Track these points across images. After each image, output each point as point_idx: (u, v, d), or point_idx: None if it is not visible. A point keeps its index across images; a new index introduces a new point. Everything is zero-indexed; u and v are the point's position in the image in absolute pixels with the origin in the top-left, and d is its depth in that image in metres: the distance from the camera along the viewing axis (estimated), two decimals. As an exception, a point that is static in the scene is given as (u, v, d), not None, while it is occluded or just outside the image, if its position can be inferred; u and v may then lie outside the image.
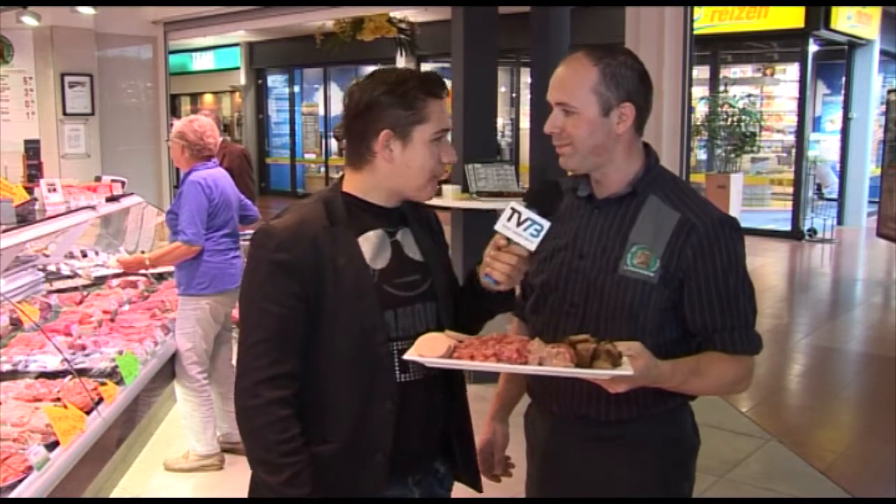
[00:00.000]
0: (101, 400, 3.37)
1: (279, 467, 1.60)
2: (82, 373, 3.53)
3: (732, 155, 12.32)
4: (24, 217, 3.87)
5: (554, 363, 1.49)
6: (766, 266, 9.70)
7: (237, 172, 5.91)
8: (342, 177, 1.79)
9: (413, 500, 1.78)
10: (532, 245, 1.61)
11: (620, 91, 1.72)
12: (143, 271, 4.84)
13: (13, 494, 2.62)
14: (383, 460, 1.67)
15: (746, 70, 14.41)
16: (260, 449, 1.63)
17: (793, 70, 12.92)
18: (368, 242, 1.71)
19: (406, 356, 1.56)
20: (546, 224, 1.62)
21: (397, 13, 12.23)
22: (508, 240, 1.63)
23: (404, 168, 1.68)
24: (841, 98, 13.02)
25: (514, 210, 1.62)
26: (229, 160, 5.95)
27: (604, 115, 1.72)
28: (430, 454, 1.81)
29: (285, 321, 1.63)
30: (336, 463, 1.67)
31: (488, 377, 1.82)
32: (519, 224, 1.61)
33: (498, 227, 1.63)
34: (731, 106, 12.31)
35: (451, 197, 5.37)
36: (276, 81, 18.18)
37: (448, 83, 1.70)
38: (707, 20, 11.70)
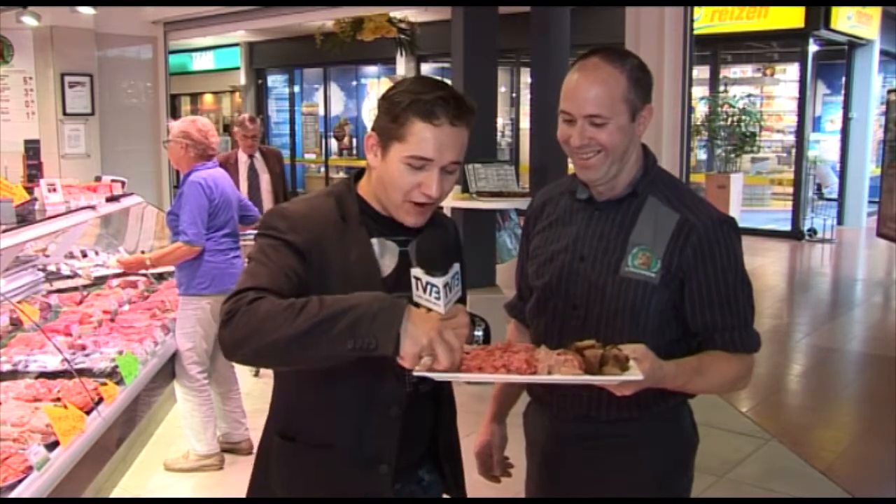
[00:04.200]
0: (101, 400, 3.36)
1: (295, 310, 1.41)
2: (82, 373, 3.52)
3: (732, 155, 12.32)
4: (24, 217, 3.86)
5: (563, 371, 1.48)
6: (766, 266, 9.70)
7: (280, 171, 6.35)
8: (357, 175, 1.72)
9: (413, 499, 1.76)
10: (440, 308, 1.48)
11: (643, 94, 1.73)
12: (143, 271, 4.84)
13: (13, 494, 2.62)
14: (387, 470, 1.63)
15: (746, 70, 14.41)
16: (273, 325, 1.41)
17: (793, 70, 12.92)
18: (375, 249, 1.65)
19: (415, 371, 1.48)
20: (439, 282, 1.48)
21: (397, 13, 12.24)
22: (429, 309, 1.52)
23: (382, 178, 1.61)
24: (841, 98, 13.02)
25: (416, 278, 1.52)
26: (274, 161, 6.34)
27: (632, 121, 1.72)
28: (414, 464, 1.76)
29: (281, 279, 1.51)
30: (338, 470, 1.64)
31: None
32: (425, 290, 1.51)
33: (414, 297, 1.52)
34: (731, 106, 12.31)
35: (451, 197, 5.36)
36: (276, 81, 18.17)
37: (447, 83, 1.66)
38: (707, 20, 11.70)
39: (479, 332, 1.65)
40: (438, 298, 1.48)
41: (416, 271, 1.51)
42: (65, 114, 7.63)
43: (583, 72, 1.72)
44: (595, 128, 1.70)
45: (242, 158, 6.23)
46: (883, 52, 12.86)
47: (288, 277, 1.53)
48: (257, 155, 6.29)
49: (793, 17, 11.26)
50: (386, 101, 1.59)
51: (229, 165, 5.95)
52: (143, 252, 4.90)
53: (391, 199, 1.61)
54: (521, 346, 1.56)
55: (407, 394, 1.66)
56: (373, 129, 1.62)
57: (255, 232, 1.70)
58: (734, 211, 11.21)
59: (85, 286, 4.85)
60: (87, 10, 7.40)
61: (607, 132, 1.70)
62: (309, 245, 1.57)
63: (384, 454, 1.63)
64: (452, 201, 5.34)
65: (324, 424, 1.65)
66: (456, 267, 1.53)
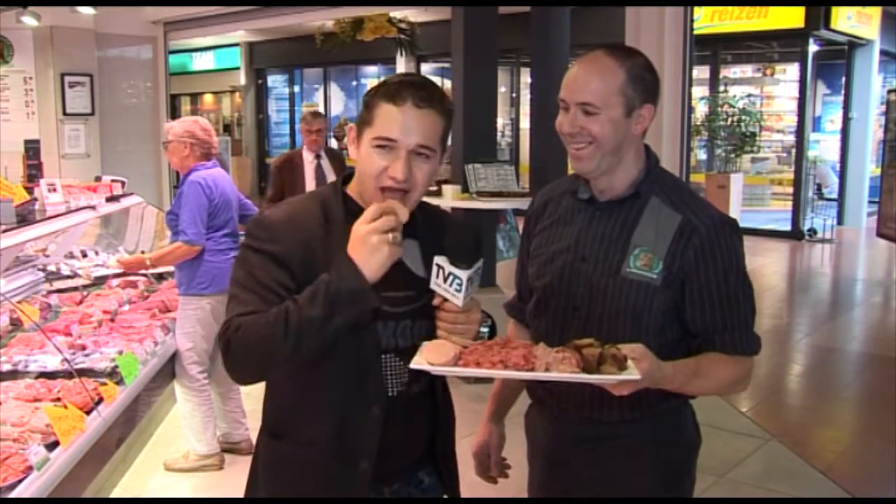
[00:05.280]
0: (101, 400, 3.37)
1: (280, 322, 1.49)
2: (82, 373, 3.53)
3: (732, 155, 12.32)
4: (24, 217, 3.87)
5: (561, 368, 1.48)
6: (766, 266, 9.70)
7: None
8: (346, 177, 1.73)
9: (411, 499, 1.76)
10: (459, 301, 1.51)
11: (644, 93, 1.73)
12: (143, 271, 4.85)
13: (13, 494, 2.62)
14: (367, 467, 1.63)
15: (746, 70, 14.41)
16: (268, 344, 1.49)
17: (793, 70, 12.92)
18: None
19: (412, 364, 1.51)
20: (463, 275, 1.50)
21: (397, 13, 12.25)
22: (445, 299, 1.53)
23: (359, 169, 1.63)
24: (841, 98, 13.03)
25: (439, 266, 1.53)
26: (337, 165, 5.81)
27: (626, 116, 1.72)
28: (413, 466, 1.76)
29: (262, 301, 1.55)
30: (317, 466, 1.64)
31: (486, 378, 1.81)
32: (446, 280, 1.52)
33: (432, 284, 1.54)
34: (731, 106, 12.32)
35: (451, 197, 5.37)
36: (276, 81, 18.18)
37: (448, 83, 1.66)
38: (707, 20, 11.71)
39: (484, 329, 1.64)
40: (459, 290, 1.50)
41: (441, 259, 1.53)
42: (65, 114, 7.63)
43: (583, 62, 1.75)
44: (587, 116, 1.71)
45: (308, 158, 5.71)
46: (883, 52, 12.86)
47: (274, 292, 1.56)
48: (323, 154, 5.76)
49: (793, 17, 11.27)
50: (365, 95, 1.64)
51: (294, 165, 5.69)
52: (143, 252, 4.91)
53: (368, 189, 1.62)
54: (520, 342, 1.56)
55: (398, 394, 1.66)
56: (354, 123, 1.67)
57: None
58: (734, 211, 11.21)
59: (85, 286, 4.85)
60: (87, 10, 7.40)
61: (599, 123, 1.70)
62: (289, 254, 1.59)
63: (364, 451, 1.63)
64: (452, 201, 5.33)
65: (307, 423, 1.65)
66: (479, 263, 1.56)
